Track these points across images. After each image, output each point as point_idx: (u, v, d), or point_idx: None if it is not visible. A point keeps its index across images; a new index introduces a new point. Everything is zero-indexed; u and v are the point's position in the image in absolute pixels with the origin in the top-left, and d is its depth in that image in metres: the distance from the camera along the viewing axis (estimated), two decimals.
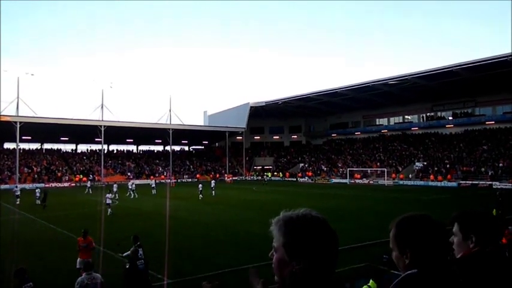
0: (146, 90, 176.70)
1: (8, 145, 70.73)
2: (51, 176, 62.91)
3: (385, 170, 58.60)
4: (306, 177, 69.31)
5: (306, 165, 75.94)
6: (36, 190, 36.79)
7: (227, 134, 79.38)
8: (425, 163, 59.44)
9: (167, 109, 74.25)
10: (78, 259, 11.42)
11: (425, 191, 43.37)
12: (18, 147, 60.81)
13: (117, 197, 35.76)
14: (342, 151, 76.24)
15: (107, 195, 27.65)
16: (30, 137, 66.51)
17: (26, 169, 62.39)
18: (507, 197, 27.01)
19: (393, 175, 58.68)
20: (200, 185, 39.29)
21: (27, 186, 55.47)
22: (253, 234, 18.33)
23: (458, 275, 1.86)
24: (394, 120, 76.13)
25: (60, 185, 60.56)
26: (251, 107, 79.04)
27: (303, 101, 74.34)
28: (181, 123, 74.77)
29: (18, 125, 56.87)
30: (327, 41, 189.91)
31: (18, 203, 32.97)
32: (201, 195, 36.73)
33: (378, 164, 64.37)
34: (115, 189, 38.15)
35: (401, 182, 56.45)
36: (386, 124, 76.95)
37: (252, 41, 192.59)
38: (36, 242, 17.64)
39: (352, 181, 61.71)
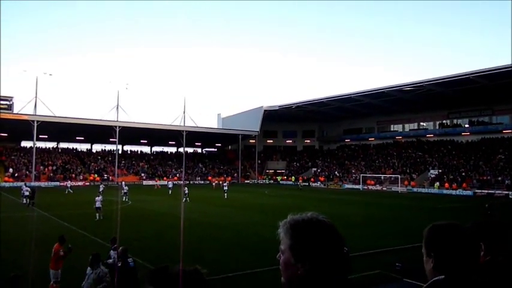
0: (161, 92, 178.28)
1: (25, 143, 72.04)
2: (67, 175, 63.78)
3: (399, 176, 58.00)
4: (319, 182, 69.00)
5: (319, 170, 75.61)
6: (24, 189, 34.90)
7: (240, 137, 79.55)
8: (440, 171, 58.66)
9: (181, 111, 74.98)
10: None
11: (439, 199, 42.79)
12: (35, 145, 61.84)
13: (126, 199, 35.60)
14: (355, 157, 75.73)
15: (97, 198, 25.18)
16: (46, 136, 67.62)
17: (41, 167, 63.39)
18: (499, 208, 26.19)
19: (405, 182, 58.05)
20: (186, 188, 38.53)
21: (43, 184, 56.37)
22: (265, 238, 18.29)
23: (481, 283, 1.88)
24: (408, 126, 75.38)
25: (75, 183, 61.34)
26: (265, 110, 79.14)
27: (316, 106, 74.18)
28: (195, 125, 75.25)
29: (35, 124, 57.91)
30: (341, 47, 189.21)
31: (25, 202, 32.48)
32: (188, 199, 36.08)
33: (392, 170, 63.76)
34: (100, 190, 37.08)
35: (415, 190, 55.80)
36: (401, 130, 76.24)
37: (267, 45, 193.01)
38: (51, 239, 17.86)
39: (365, 187, 61.20)
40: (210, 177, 74.26)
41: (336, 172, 71.92)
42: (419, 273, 2.09)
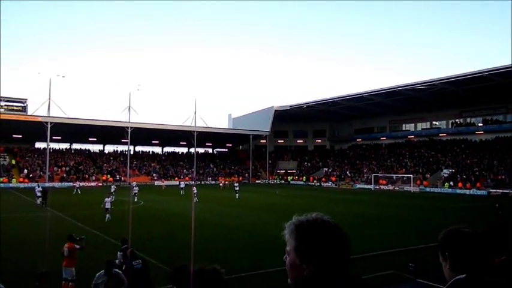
0: (172, 93, 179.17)
1: (39, 145, 73.06)
2: (80, 176, 64.53)
3: (411, 176, 57.47)
4: (330, 182, 68.72)
5: (330, 170, 75.30)
6: (37, 189, 35.13)
7: (251, 137, 79.62)
8: (453, 170, 57.98)
9: (192, 111, 75.33)
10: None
11: (453, 199, 42.29)
12: (49, 147, 62.67)
13: (136, 200, 35.65)
14: (367, 156, 75.24)
15: (106, 199, 25.07)
16: (60, 137, 68.49)
17: (55, 168, 64.22)
18: (510, 207, 25.74)
19: (418, 182, 57.52)
20: (194, 188, 38.30)
21: (56, 184, 57.11)
22: (276, 238, 18.07)
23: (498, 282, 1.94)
24: (421, 126, 74.69)
25: (87, 184, 62.08)
26: (275, 110, 79.08)
27: (327, 106, 73.89)
28: (205, 125, 75.54)
29: (49, 126, 58.72)
30: (352, 47, 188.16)
31: (38, 203, 32.76)
32: (196, 198, 36.17)
33: (404, 170, 63.22)
34: (112, 191, 37.03)
35: (427, 189, 55.26)
36: (413, 130, 75.55)
37: (278, 46, 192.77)
38: (64, 239, 18.09)
39: (377, 187, 60.78)
40: (220, 178, 74.44)
41: (348, 172, 71.56)
42: (433, 273, 2.11)
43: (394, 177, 62.44)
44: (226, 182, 64.76)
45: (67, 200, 36.76)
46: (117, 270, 8.94)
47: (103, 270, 8.69)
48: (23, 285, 11.49)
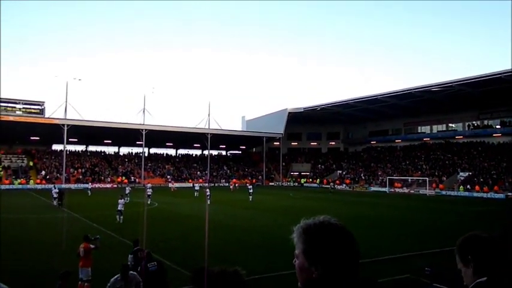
0: (186, 95, 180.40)
1: (56, 147, 74.20)
2: (95, 177, 65.38)
3: (427, 179, 56.73)
4: (344, 185, 68.25)
5: (344, 173, 74.80)
6: (53, 191, 35.51)
7: (264, 140, 79.60)
8: (470, 173, 57.04)
9: (206, 114, 75.61)
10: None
11: (469, 202, 41.58)
12: (65, 149, 63.65)
13: (149, 202, 35.44)
14: (382, 159, 74.54)
15: (120, 200, 24.90)
16: (76, 140, 69.48)
17: (71, 170, 65.18)
18: None
19: (433, 185, 56.74)
20: (207, 190, 38.46)
21: (72, 186, 57.94)
22: (290, 241, 18.21)
23: None
24: (437, 128, 73.70)
25: (103, 185, 62.85)
26: (289, 112, 78.95)
27: (341, 108, 73.50)
28: (219, 128, 75.81)
29: (65, 128, 59.66)
30: (366, 49, 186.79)
31: (55, 204, 33.24)
32: (209, 200, 36.29)
33: (419, 173, 62.44)
34: (127, 192, 37.88)
35: (443, 192, 54.48)
36: (429, 132, 74.62)
37: (292, 47, 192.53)
38: (80, 240, 18.33)
39: (392, 190, 60.15)
40: (235, 180, 74.52)
41: (362, 175, 71.00)
42: (449, 278, 2.10)
43: (410, 180, 61.72)
44: (237, 185, 64.89)
45: (83, 202, 37.26)
46: (133, 272, 8.91)
47: (118, 275, 8.60)
48: (40, 284, 11.68)
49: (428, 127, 75.13)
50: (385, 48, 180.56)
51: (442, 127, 73.13)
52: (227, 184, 71.37)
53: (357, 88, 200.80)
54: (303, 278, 1.45)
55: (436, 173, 60.80)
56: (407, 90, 59.52)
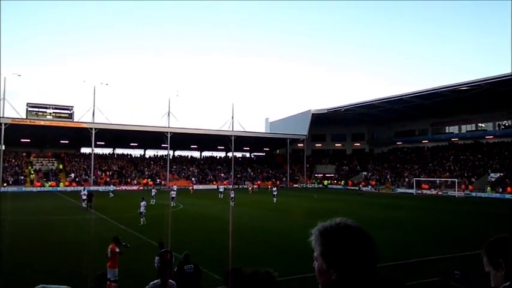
0: (210, 98, 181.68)
1: (84, 150, 76.16)
2: (122, 180, 66.72)
3: (456, 180, 55.27)
4: (369, 186, 67.28)
5: (370, 174, 73.75)
6: (82, 193, 35.91)
7: (288, 141, 79.40)
8: (501, 174, 55.26)
9: (230, 116, 76.02)
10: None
11: (500, 204, 40.31)
12: (93, 152, 65.21)
13: (173, 205, 35.27)
14: (408, 160, 73.12)
15: (142, 202, 24.83)
16: (103, 143, 71.09)
17: (99, 172, 66.73)
18: None
19: (463, 186, 55.25)
20: (232, 192, 38.20)
21: (100, 188, 59.27)
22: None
23: None
24: (465, 128, 71.79)
25: (129, 188, 64.05)
26: (313, 114, 78.51)
27: (366, 108, 72.51)
28: (243, 130, 76.04)
29: (93, 131, 61.16)
30: (391, 49, 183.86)
31: (84, 205, 33.89)
32: (233, 203, 36.16)
33: (448, 174, 60.92)
34: (153, 194, 38.40)
35: (473, 194, 52.97)
36: (457, 132, 72.77)
37: (315, 48, 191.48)
38: (110, 240, 18.74)
39: (419, 191, 58.92)
40: (259, 181, 74.50)
41: (388, 176, 69.84)
42: (479, 281, 2.05)
43: (438, 182, 60.30)
44: (256, 186, 64.94)
45: (110, 203, 38.08)
46: (172, 281, 8.89)
47: (158, 280, 8.64)
48: (70, 283, 12.00)
49: (457, 127, 73.29)
50: (411, 47, 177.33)
51: (471, 127, 71.18)
52: (257, 186, 71.37)
53: (382, 89, 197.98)
54: (323, 280, 1.47)
55: (466, 174, 59.20)
56: (433, 89, 58.22)
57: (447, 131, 75.16)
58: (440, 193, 56.67)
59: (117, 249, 11.28)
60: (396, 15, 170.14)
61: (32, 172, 62.60)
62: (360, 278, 1.41)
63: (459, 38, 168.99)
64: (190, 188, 60.97)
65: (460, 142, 70.38)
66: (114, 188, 51.61)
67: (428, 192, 58.47)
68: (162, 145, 71.24)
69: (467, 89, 55.47)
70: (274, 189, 43.62)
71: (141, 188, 64.14)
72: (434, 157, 69.68)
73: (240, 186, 70.21)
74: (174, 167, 75.27)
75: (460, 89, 55.84)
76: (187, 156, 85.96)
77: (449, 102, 62.30)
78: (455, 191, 54.13)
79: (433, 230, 22.94)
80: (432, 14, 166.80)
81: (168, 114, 69.68)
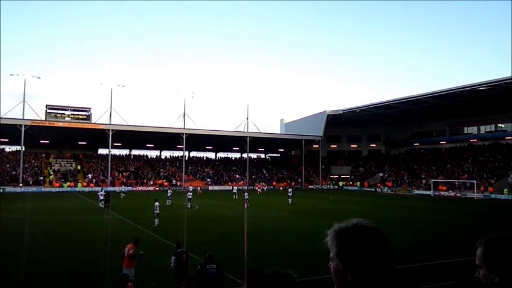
0: (225, 99, 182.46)
1: (101, 151, 77.25)
2: (138, 180, 67.44)
3: (475, 182, 54.24)
4: (386, 188, 66.56)
5: (386, 175, 72.93)
6: (99, 194, 36.39)
7: (303, 142, 79.12)
8: None
9: (245, 117, 76.13)
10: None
11: None
12: (110, 152, 66.05)
13: (189, 206, 35.22)
14: (425, 161, 72.05)
15: (156, 203, 24.56)
16: (120, 144, 71.95)
17: (116, 173, 67.57)
18: None
19: (482, 188, 54.20)
20: (246, 193, 37.74)
21: (117, 189, 59.97)
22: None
23: None
24: (484, 128, 70.37)
25: (146, 188, 64.70)
26: (328, 115, 78.07)
27: (382, 109, 71.74)
28: (258, 131, 76.06)
29: (110, 133, 61.98)
30: (407, 49, 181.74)
31: (101, 206, 34.33)
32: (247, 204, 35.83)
33: (466, 175, 59.83)
34: (168, 195, 38.59)
35: (493, 196, 51.93)
36: (476, 133, 71.40)
37: (330, 49, 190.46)
38: (128, 241, 18.97)
39: (437, 193, 58.03)
40: (257, 184, 74.39)
41: (405, 177, 68.96)
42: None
43: (456, 183, 59.28)
44: (265, 188, 64.79)
45: (127, 204, 38.51)
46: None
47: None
48: (90, 282, 12.18)
49: (475, 127, 71.91)
50: (428, 46, 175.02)
51: (490, 127, 69.75)
52: (266, 187, 71.29)
53: (398, 90, 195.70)
54: (338, 281, 1.47)
55: (485, 176, 58.06)
56: (451, 90, 57.29)
57: (465, 132, 73.86)
58: (458, 195, 55.73)
59: (131, 251, 11.39)
60: (414, 14, 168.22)
61: (51, 173, 63.75)
62: (376, 279, 1.41)
63: (477, 38, 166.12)
64: (199, 188, 60.87)
65: (478, 143, 69.09)
66: (123, 189, 52.39)
67: (446, 194, 57.55)
68: (178, 146, 71.80)
69: (487, 89, 54.42)
70: (290, 190, 43.50)
71: (157, 188, 64.70)
72: (452, 158, 68.54)
73: (254, 188, 70.13)
74: (190, 167, 75.74)
75: (479, 88, 54.82)
76: (203, 157, 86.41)
77: (468, 102, 61.19)
78: (474, 192, 53.15)
79: (451, 232, 22.59)
80: (452, 13, 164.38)
81: (184, 116, 70.25)
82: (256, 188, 63.94)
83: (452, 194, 56.90)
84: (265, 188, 63.72)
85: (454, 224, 26.18)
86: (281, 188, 67.52)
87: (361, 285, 1.41)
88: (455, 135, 74.29)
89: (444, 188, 59.40)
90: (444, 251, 16.45)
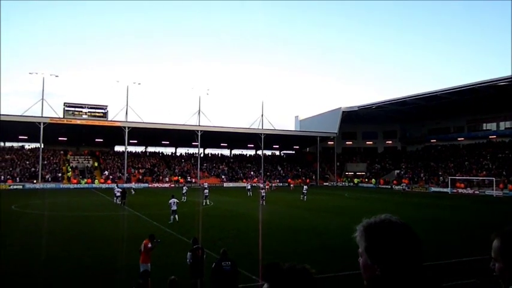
0: (240, 96, 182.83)
1: (118, 148, 78.19)
2: (154, 177, 68.07)
3: (494, 179, 53.17)
4: (403, 185, 65.75)
5: (402, 172, 72.03)
6: (116, 190, 36.95)
7: (318, 139, 78.69)
8: None
9: (259, 114, 76.07)
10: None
11: None
12: (127, 150, 66.80)
13: (206, 203, 35.06)
14: (443, 158, 70.92)
15: (172, 200, 24.34)
16: (136, 141, 72.68)
17: (132, 170, 68.32)
18: None
19: (501, 185, 53.11)
20: (263, 191, 37.34)
21: (133, 185, 60.62)
22: (346, 241, 17.85)
23: None
24: (504, 125, 68.92)
25: (161, 185, 65.27)
26: (343, 111, 77.46)
27: (398, 105, 70.76)
28: (273, 128, 75.93)
29: (126, 130, 62.63)
30: (424, 44, 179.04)
31: (119, 202, 34.57)
32: (264, 202, 35.53)
33: (485, 172, 58.70)
34: (184, 192, 38.68)
35: None
36: (495, 129, 69.93)
37: (344, 46, 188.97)
38: (144, 237, 19.15)
39: (455, 190, 57.10)
40: (289, 179, 74.18)
41: (421, 174, 68.01)
42: None
43: (474, 181, 58.23)
44: (274, 185, 63.99)
45: (143, 200, 38.89)
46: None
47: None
48: (106, 277, 12.33)
49: (495, 124, 70.45)
50: (444, 42, 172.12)
51: (510, 123, 68.25)
52: (281, 184, 71.23)
53: (414, 86, 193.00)
54: (367, 276, 1.48)
55: (504, 173, 56.88)
56: (470, 85, 56.17)
57: (484, 128, 72.43)
58: (476, 192, 54.74)
59: (150, 245, 11.54)
60: (434, 11, 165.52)
61: (69, 170, 64.79)
62: (404, 275, 1.41)
63: (496, 34, 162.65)
64: (205, 185, 60.37)
65: (498, 139, 67.70)
66: (133, 186, 53.60)
67: (464, 191, 56.60)
68: (193, 143, 72.18)
69: (506, 84, 53.22)
70: (305, 187, 43.31)
71: (173, 185, 65.15)
72: (470, 155, 67.33)
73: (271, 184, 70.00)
74: (205, 164, 76.09)
75: (499, 84, 53.64)
76: (218, 154, 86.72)
77: (487, 98, 59.94)
78: (493, 190, 52.15)
79: (470, 229, 22.21)
80: (474, 11, 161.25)
81: (199, 113, 70.53)
82: (265, 186, 62.29)
83: (470, 191, 55.92)
84: (273, 185, 62.69)
85: (473, 222, 25.73)
86: (291, 185, 66.48)
87: (390, 280, 1.42)
88: (474, 131, 72.94)
89: (462, 185, 58.42)
90: (463, 249, 16.18)
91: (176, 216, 23.89)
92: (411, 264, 1.43)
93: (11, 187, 55.71)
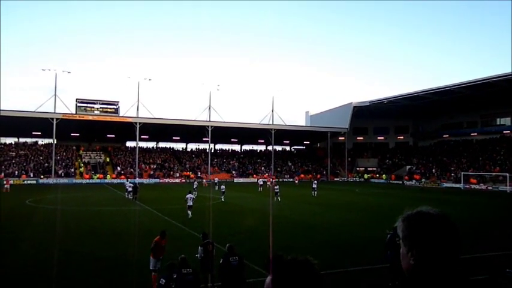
0: (250, 92, 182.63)
1: (129, 143, 78.77)
2: (166, 173, 68.51)
3: (507, 175, 52.43)
4: (414, 181, 65.24)
5: (414, 168, 71.39)
6: (128, 185, 37.67)
7: (329, 135, 78.34)
8: None
9: (270, 109, 75.94)
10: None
11: None
12: (138, 145, 67.30)
13: (222, 198, 35.57)
14: (455, 153, 70.09)
15: (188, 195, 24.32)
16: (147, 136, 73.17)
17: (143, 165, 68.84)
18: None
19: None
20: (277, 186, 37.06)
21: (145, 181, 61.19)
22: (357, 237, 17.83)
23: None
24: None
25: (172, 180, 65.70)
26: (354, 106, 76.93)
27: (410, 100, 69.90)
28: (283, 123, 75.78)
29: (138, 126, 63.06)
30: (433, 38, 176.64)
31: (130, 197, 34.89)
32: (279, 198, 35.16)
33: (499, 168, 57.89)
34: (194, 187, 38.63)
35: None
36: (510, 124, 68.82)
37: (355, 41, 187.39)
38: (154, 232, 19.33)
39: (467, 186, 56.46)
40: (302, 175, 74.07)
41: (433, 170, 67.33)
42: None
43: (487, 176, 57.47)
44: (274, 181, 58.94)
45: (154, 195, 39.21)
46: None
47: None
48: (118, 271, 12.49)
49: (509, 119, 69.35)
50: (456, 37, 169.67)
51: None
52: (291, 179, 71.10)
53: (426, 80, 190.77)
54: (405, 264, 1.52)
55: None
56: (484, 79, 55.28)
57: (498, 123, 71.36)
58: (490, 188, 54.07)
59: (164, 242, 11.65)
60: (442, 8, 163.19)
61: (81, 165, 65.55)
62: (439, 265, 1.44)
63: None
64: (205, 181, 60.73)
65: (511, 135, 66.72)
66: (136, 181, 53.72)
67: (477, 187, 55.94)
68: (204, 139, 72.39)
69: None
70: (315, 182, 43.19)
71: (183, 180, 65.51)
72: (483, 150, 66.42)
73: (280, 180, 69.86)
74: (215, 160, 76.30)
75: None
76: (228, 149, 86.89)
77: (501, 92, 58.92)
78: (506, 185, 51.44)
79: (483, 225, 21.99)
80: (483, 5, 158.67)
81: (209, 108, 70.66)
82: (267, 182, 60.04)
83: (483, 187, 55.26)
84: (268, 183, 56.45)
85: (486, 218, 25.47)
86: (296, 181, 65.76)
87: (423, 269, 1.45)
88: (487, 126, 71.87)
89: (475, 181, 57.73)
90: (475, 244, 16.02)
91: (190, 212, 23.73)
92: (445, 256, 1.45)
93: (25, 182, 56.62)
